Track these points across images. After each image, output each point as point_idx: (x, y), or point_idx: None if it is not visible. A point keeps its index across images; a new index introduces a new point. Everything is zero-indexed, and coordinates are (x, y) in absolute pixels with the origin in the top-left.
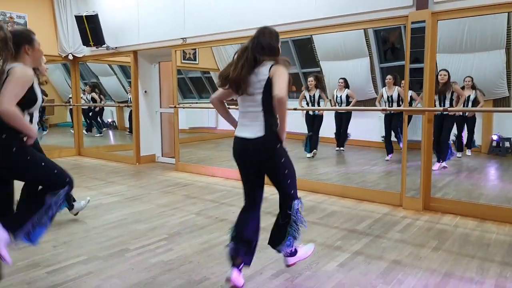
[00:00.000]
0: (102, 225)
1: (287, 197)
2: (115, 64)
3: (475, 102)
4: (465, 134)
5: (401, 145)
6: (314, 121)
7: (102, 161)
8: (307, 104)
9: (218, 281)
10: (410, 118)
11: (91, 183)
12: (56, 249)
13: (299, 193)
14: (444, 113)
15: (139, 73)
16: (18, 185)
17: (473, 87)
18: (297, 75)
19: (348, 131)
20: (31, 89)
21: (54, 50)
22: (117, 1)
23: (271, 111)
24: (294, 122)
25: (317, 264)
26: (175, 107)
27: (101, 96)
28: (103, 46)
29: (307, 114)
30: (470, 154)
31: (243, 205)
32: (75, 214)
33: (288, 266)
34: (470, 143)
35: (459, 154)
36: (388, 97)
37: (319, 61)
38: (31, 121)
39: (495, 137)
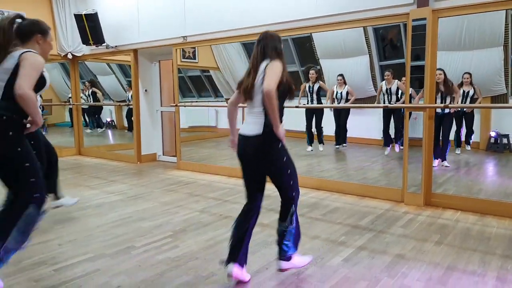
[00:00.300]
0: (106, 223)
1: (287, 201)
2: (114, 63)
3: (474, 98)
4: (463, 130)
5: (397, 146)
6: (313, 114)
7: (103, 160)
8: (307, 95)
9: (225, 277)
10: (409, 114)
11: (92, 182)
12: (61, 247)
13: (301, 190)
14: (445, 112)
15: (139, 72)
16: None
17: (471, 83)
18: (296, 73)
19: (347, 126)
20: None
21: (53, 49)
22: None
23: None
24: (294, 120)
25: (322, 259)
26: (176, 105)
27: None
28: (102, 45)
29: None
30: (469, 148)
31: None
32: (54, 208)
33: (281, 270)
34: (469, 138)
35: (458, 151)
36: (387, 89)
37: (318, 59)
38: None
39: (493, 134)
